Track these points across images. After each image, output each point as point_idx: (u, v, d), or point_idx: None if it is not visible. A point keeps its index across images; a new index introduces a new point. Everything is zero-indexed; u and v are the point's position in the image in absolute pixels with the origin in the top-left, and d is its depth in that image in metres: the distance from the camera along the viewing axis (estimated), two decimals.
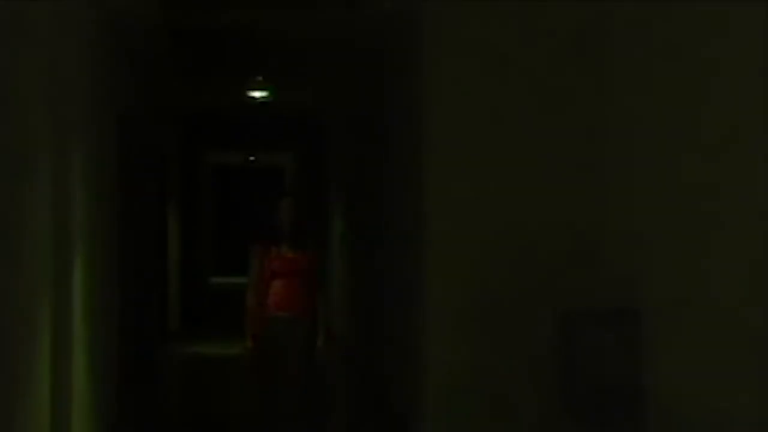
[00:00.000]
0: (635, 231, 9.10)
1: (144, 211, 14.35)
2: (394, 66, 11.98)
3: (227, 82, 17.85)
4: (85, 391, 8.64)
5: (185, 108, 20.59)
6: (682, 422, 8.67)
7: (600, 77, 9.46)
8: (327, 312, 9.76)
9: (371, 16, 11.71)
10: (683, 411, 8.65)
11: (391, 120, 12.34)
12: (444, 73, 9.53)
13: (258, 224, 10.40)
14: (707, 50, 8.07)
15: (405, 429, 10.65)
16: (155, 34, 12.59)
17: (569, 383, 9.07)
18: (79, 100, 8.35)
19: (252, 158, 29.64)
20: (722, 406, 8.27)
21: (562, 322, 9.15)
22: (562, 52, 9.50)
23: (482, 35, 9.48)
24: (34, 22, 6.67)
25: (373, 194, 13.90)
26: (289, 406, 9.43)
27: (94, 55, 9.43)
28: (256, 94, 17.92)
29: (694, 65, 8.16)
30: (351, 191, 17.11)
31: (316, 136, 22.82)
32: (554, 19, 9.49)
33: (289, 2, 11.95)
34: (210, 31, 13.49)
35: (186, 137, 22.32)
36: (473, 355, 9.37)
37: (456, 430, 9.38)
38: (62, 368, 7.55)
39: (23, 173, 6.35)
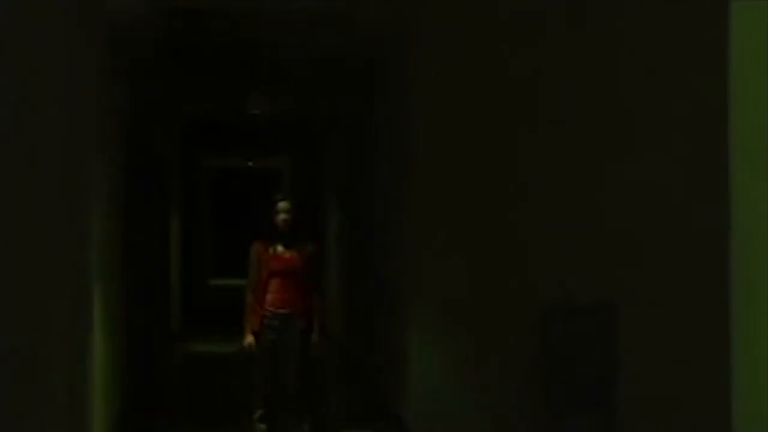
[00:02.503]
0: (614, 230, 9.32)
1: (148, 215, 14.26)
2: (384, 76, 12.11)
3: (227, 94, 17.75)
4: (99, 387, 8.71)
5: (186, 116, 20.43)
6: (656, 412, 9.11)
7: (585, 85, 9.55)
8: (322, 309, 9.85)
9: (363, 34, 11.79)
10: (657, 402, 9.08)
11: (381, 125, 12.41)
12: (430, 83, 9.70)
13: (256, 225, 10.38)
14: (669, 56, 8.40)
15: (392, 418, 10.79)
16: (160, 49, 12.66)
17: (549, 375, 9.22)
18: (92, 111, 8.41)
19: (250, 162, 29.51)
20: (695, 397, 8.74)
21: (542, 317, 9.29)
22: (547, 67, 9.62)
23: (469, 52, 9.63)
24: (50, 40, 6.79)
25: (366, 196, 13.95)
26: (285, 397, 9.60)
27: (105, 69, 9.49)
28: (254, 105, 17.82)
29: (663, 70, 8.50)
30: (345, 193, 17.06)
31: (311, 141, 22.55)
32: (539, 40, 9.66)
33: (286, 21, 11.95)
34: (211, 46, 13.48)
35: (187, 143, 21.99)
36: (458, 349, 9.55)
37: (439, 419, 9.54)
38: (80, 366, 7.59)
39: (43, 183, 6.52)
